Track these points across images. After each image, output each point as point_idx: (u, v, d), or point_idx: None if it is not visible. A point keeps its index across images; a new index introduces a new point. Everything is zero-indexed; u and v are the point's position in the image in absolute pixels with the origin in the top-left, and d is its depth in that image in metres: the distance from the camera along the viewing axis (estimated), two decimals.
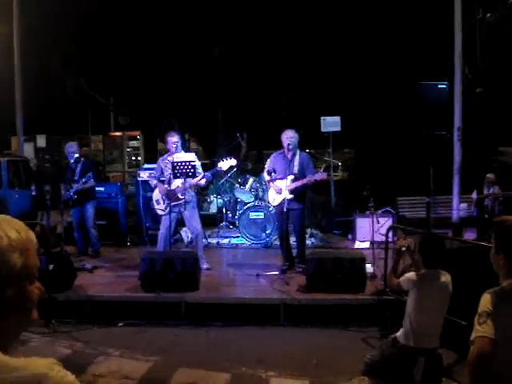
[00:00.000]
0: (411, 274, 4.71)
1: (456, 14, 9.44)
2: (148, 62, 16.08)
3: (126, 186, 12.00)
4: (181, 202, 9.09)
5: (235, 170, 12.59)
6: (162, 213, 9.22)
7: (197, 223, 9.30)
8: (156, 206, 9.38)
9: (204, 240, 11.06)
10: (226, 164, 9.29)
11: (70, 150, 10.33)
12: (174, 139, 9.31)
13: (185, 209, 9.15)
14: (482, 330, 2.57)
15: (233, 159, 9.35)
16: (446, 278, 4.68)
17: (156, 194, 9.38)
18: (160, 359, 6.49)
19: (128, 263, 9.84)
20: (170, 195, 9.06)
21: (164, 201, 9.20)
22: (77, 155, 10.32)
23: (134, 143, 21.65)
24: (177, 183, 9.07)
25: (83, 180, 9.92)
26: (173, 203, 9.04)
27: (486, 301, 2.65)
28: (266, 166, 9.58)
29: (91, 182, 10.09)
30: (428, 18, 12.57)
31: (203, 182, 9.31)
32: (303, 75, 16.34)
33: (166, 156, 9.43)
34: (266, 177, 9.38)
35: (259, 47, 15.77)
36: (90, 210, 10.30)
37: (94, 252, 10.42)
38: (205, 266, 9.21)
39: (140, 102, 18.00)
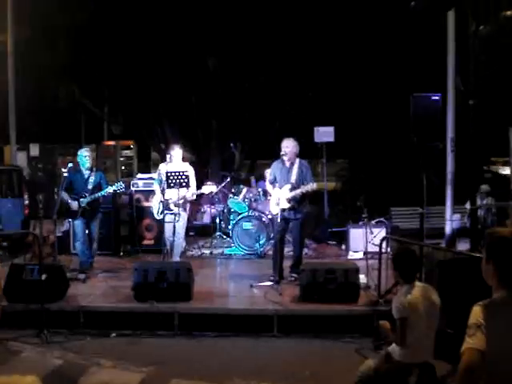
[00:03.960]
0: (399, 302, 4.60)
1: (449, 27, 9.50)
2: (142, 71, 16.10)
3: (119, 195, 11.93)
4: (173, 211, 9.33)
5: (229, 180, 12.61)
6: (157, 217, 9.67)
7: (181, 233, 9.57)
8: (153, 210, 9.80)
9: (197, 251, 11.15)
10: (206, 189, 9.77)
11: (84, 155, 9.68)
12: (172, 152, 9.64)
13: (178, 216, 9.34)
14: (471, 341, 2.60)
15: (213, 186, 9.95)
16: (431, 292, 4.67)
17: (155, 200, 9.73)
18: (153, 370, 6.47)
19: (121, 273, 9.81)
20: (165, 204, 9.35)
21: (160, 208, 9.48)
22: (90, 163, 9.72)
23: (127, 153, 21.63)
24: (170, 194, 9.28)
25: (101, 193, 9.50)
26: (166, 211, 9.33)
27: (475, 313, 2.68)
28: (266, 175, 9.81)
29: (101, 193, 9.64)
30: (422, 30, 12.65)
31: (192, 196, 9.63)
32: (297, 85, 16.40)
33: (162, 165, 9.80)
34: (268, 186, 9.44)
35: (253, 58, 15.83)
36: (97, 222, 9.87)
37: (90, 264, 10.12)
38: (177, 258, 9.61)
39: (133, 112, 18.01)
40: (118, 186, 9.56)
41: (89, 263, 9.80)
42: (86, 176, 9.68)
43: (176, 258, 9.52)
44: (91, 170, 9.75)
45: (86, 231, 9.69)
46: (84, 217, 9.60)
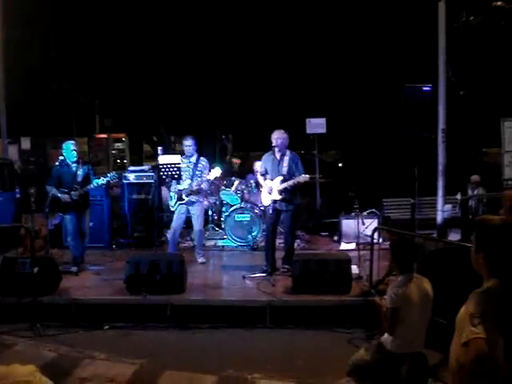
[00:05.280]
0: (394, 292, 4.60)
1: (440, 18, 9.49)
2: (133, 64, 16.05)
3: (111, 188, 11.91)
4: (184, 202, 9.77)
5: (221, 172, 12.59)
6: (172, 209, 9.96)
7: (199, 221, 9.96)
8: (169, 202, 10.11)
9: (190, 243, 11.14)
10: (212, 174, 9.73)
11: (72, 148, 9.50)
12: (187, 143, 9.91)
13: (191, 208, 9.86)
14: (477, 331, 2.51)
15: (218, 169, 9.79)
16: (425, 283, 4.69)
17: (171, 191, 10.04)
18: (146, 362, 6.49)
19: (114, 266, 9.79)
20: (178, 195, 9.80)
21: (175, 199, 9.88)
22: (76, 156, 9.57)
23: (119, 145, 21.56)
24: (183, 185, 9.74)
25: (95, 185, 9.38)
26: (179, 202, 9.79)
27: (476, 301, 2.62)
28: (254, 167, 10.09)
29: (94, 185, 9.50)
30: (413, 21, 12.66)
31: (204, 186, 9.95)
32: (289, 77, 16.39)
33: (183, 157, 9.98)
34: (260, 178, 9.47)
35: (245, 49, 15.80)
36: (87, 215, 9.75)
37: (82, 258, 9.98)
38: (200, 260, 10.01)
39: (125, 104, 17.97)
40: (112, 177, 9.48)
41: (81, 257, 9.69)
42: (74, 169, 9.51)
43: (199, 247, 10.15)
44: (78, 162, 9.58)
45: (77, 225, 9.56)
46: (75, 210, 9.47)
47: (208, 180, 9.82)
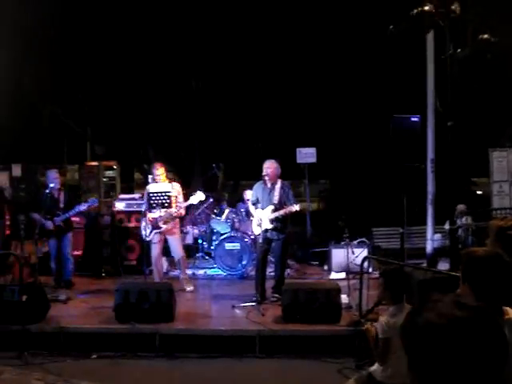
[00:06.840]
0: (385, 322, 4.62)
1: (428, 50, 9.66)
2: (125, 91, 16.15)
3: (101, 216, 11.92)
4: (162, 230, 9.67)
5: (211, 200, 12.62)
6: (146, 239, 9.78)
7: (179, 249, 9.94)
8: (142, 232, 9.89)
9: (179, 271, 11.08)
10: (195, 198, 9.72)
11: (54, 176, 10.08)
12: (157, 172, 9.87)
13: (168, 237, 9.80)
14: None
15: (201, 193, 9.76)
16: None
17: (144, 221, 9.87)
18: None
19: (102, 294, 9.74)
20: (154, 224, 9.66)
21: (149, 228, 9.72)
22: (58, 183, 10.13)
23: (110, 173, 21.55)
24: (158, 212, 9.60)
25: (75, 211, 9.83)
26: (155, 231, 9.66)
27: None
28: (244, 196, 10.19)
29: (76, 210, 9.95)
30: (401, 53, 12.84)
31: (182, 212, 9.94)
32: (279, 106, 16.52)
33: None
34: (251, 207, 9.56)
35: (237, 78, 15.95)
36: (68, 239, 10.11)
37: (67, 283, 10.20)
38: (188, 288, 9.94)
39: (117, 132, 18.03)
40: (92, 202, 9.90)
41: (62, 281, 10.05)
42: (56, 195, 10.00)
43: (184, 273, 10.10)
44: (60, 189, 10.13)
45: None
46: (56, 235, 9.93)
47: (190, 204, 9.87)
